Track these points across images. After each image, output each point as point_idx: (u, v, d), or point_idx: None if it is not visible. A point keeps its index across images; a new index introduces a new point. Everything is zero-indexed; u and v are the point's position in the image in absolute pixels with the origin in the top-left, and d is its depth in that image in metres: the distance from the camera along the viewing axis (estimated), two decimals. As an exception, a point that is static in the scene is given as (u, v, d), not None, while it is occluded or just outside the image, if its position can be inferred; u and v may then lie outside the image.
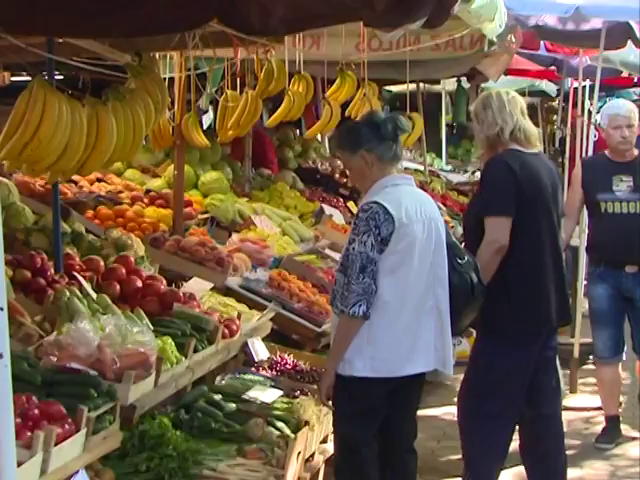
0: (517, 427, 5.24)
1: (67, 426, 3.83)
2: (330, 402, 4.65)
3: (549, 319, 5.07)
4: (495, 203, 4.99)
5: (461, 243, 5.18)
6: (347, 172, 11.20)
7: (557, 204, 5.19)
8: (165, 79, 6.06)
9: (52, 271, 5.76)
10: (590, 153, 8.71)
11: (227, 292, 6.75)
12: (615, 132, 6.67)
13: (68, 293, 5.13)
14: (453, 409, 7.65)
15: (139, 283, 5.84)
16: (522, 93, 16.41)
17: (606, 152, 6.89)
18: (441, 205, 11.60)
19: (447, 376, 4.86)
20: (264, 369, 6.05)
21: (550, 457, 5.21)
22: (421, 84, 13.82)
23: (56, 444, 3.69)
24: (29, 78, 4.33)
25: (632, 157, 6.73)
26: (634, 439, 6.85)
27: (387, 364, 4.52)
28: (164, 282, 6.00)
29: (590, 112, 9.56)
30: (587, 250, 7.13)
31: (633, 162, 6.70)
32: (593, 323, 6.86)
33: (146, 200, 8.33)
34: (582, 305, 7.89)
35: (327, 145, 13.41)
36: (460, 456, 5.41)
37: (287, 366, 6.10)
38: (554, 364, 5.26)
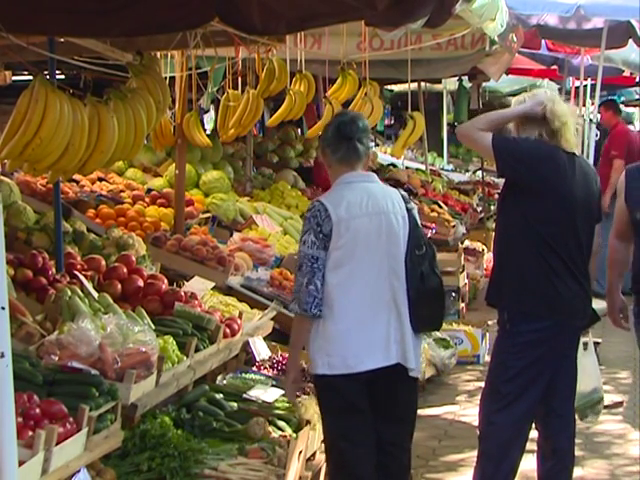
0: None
1: (68, 425, 3.83)
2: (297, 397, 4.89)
3: (565, 319, 4.97)
4: None
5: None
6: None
7: (589, 206, 5.02)
8: (166, 78, 6.06)
9: (53, 270, 5.77)
10: (592, 153, 8.69)
11: (228, 291, 6.76)
12: None
13: (69, 292, 5.13)
14: (454, 408, 7.70)
15: (140, 282, 5.84)
16: (523, 92, 16.44)
17: None
18: (442, 204, 11.61)
19: (412, 371, 4.70)
20: (265, 368, 6.05)
21: (559, 455, 5.20)
22: (422, 83, 13.83)
23: (57, 443, 3.69)
24: (30, 77, 4.33)
25: None
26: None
27: (343, 360, 4.51)
28: (165, 281, 6.00)
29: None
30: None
31: None
32: None
33: (147, 199, 8.34)
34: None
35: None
36: (461, 455, 5.42)
37: (288, 365, 6.10)
38: (574, 364, 5.21)
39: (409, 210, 4.71)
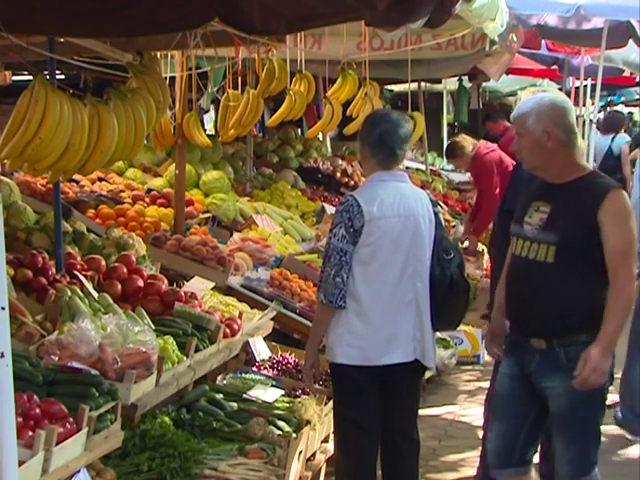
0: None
1: (68, 425, 3.83)
2: (315, 385, 5.03)
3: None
4: None
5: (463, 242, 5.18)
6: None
7: None
8: (166, 78, 6.06)
9: (53, 270, 5.76)
10: (592, 153, 8.66)
11: (228, 291, 6.76)
12: None
13: (69, 292, 5.13)
14: (454, 408, 7.70)
15: (140, 282, 5.84)
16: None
17: None
18: (442, 204, 11.59)
19: (430, 369, 4.97)
20: (265, 368, 6.05)
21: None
22: (422, 83, 13.82)
23: (57, 443, 3.69)
24: (30, 77, 4.32)
25: (570, 177, 4.32)
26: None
27: (363, 352, 4.66)
28: (165, 281, 6.00)
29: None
30: None
31: (569, 184, 4.31)
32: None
33: (147, 199, 8.33)
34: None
35: (328, 144, 13.41)
36: (461, 455, 5.42)
37: (288, 365, 6.11)
38: None
39: (436, 214, 4.86)
